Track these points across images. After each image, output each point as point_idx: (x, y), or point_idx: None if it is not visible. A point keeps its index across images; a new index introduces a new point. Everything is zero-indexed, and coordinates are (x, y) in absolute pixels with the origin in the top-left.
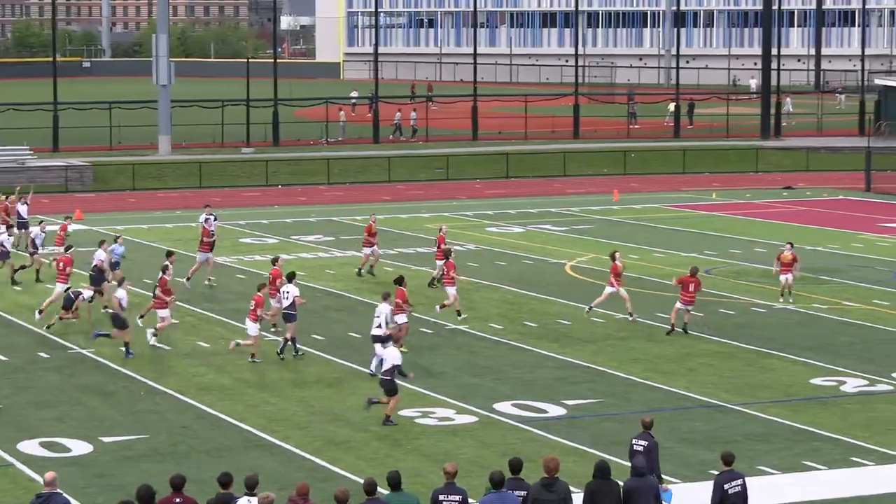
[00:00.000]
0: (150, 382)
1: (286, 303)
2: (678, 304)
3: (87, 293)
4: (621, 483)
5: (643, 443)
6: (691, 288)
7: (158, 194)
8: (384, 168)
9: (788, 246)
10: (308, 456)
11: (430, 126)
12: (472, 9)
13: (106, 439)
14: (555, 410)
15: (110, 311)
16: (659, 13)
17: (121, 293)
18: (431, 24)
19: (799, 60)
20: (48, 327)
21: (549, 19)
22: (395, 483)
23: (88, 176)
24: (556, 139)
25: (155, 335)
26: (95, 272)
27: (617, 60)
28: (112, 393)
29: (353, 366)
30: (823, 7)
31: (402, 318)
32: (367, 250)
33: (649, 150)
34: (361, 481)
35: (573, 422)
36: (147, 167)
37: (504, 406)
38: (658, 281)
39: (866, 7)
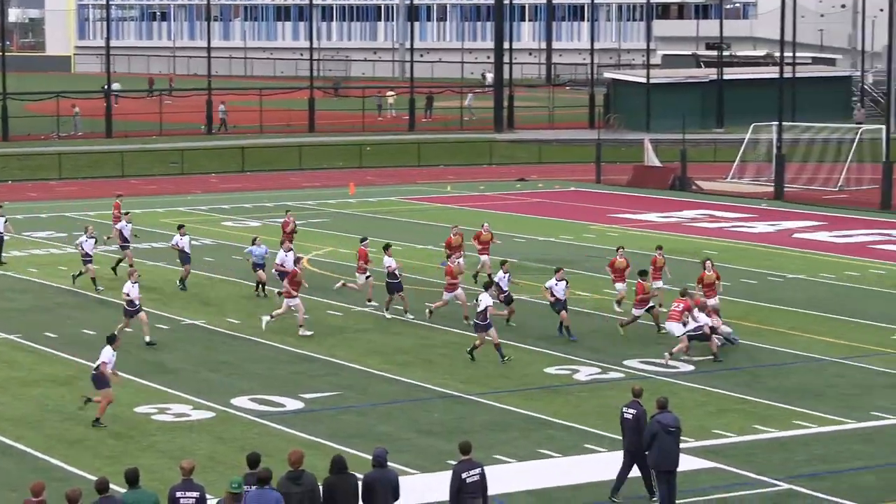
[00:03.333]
0: None
1: (479, 309)
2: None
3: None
4: (360, 476)
5: (632, 411)
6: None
7: None
8: (118, 163)
9: (709, 264)
10: (42, 455)
11: (163, 121)
12: (205, 2)
13: None
14: (293, 404)
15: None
16: (392, 7)
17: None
18: (164, 17)
19: (530, 54)
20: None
21: (283, 13)
22: (132, 479)
23: None
24: (292, 133)
25: (302, 327)
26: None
27: (351, 54)
28: None
29: (87, 363)
30: (553, 2)
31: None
32: (484, 258)
33: (385, 144)
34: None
35: (311, 415)
36: None
37: (242, 401)
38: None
39: (595, 2)
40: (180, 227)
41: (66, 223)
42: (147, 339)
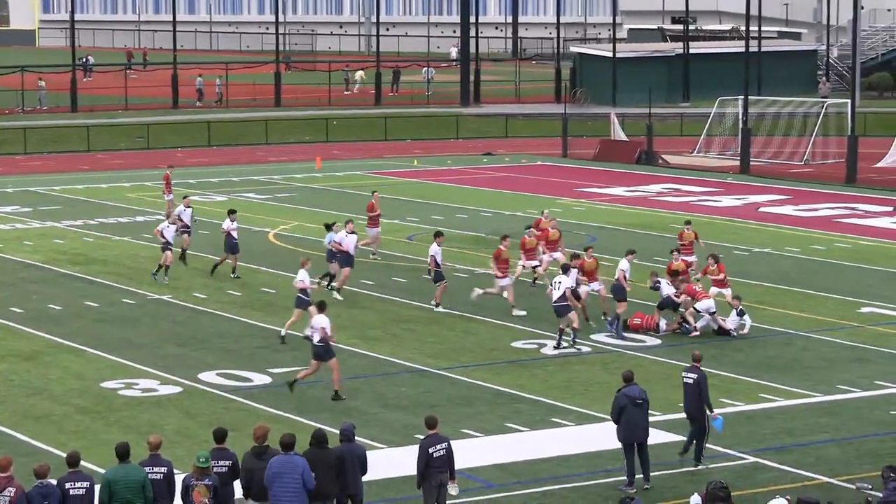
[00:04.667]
0: None
1: (556, 294)
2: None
3: None
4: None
5: (693, 375)
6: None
7: None
8: (83, 137)
9: (712, 259)
10: (8, 431)
11: (129, 95)
12: None
13: None
14: (260, 379)
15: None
16: None
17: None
18: None
19: (497, 28)
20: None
21: None
22: (122, 454)
23: None
24: (258, 107)
25: (515, 307)
26: None
27: (317, 28)
28: None
29: (53, 338)
30: None
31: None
32: (547, 258)
33: (351, 118)
34: (65, 455)
35: (278, 390)
36: None
37: (209, 376)
38: (360, 248)
39: None
40: (231, 212)
41: (31, 198)
42: (283, 332)
